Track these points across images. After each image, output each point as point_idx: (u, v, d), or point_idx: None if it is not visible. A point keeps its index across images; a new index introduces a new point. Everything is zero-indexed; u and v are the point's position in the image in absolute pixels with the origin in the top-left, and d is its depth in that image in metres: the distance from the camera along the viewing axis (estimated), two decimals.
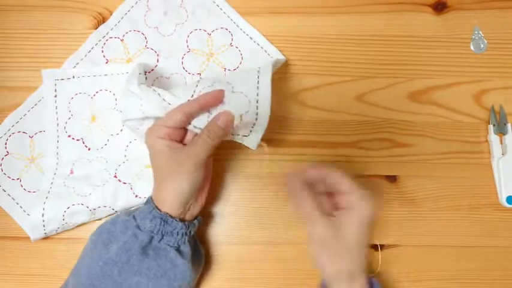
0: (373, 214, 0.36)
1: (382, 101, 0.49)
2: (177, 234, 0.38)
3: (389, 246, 0.46)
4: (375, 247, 0.45)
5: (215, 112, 0.39)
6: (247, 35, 0.48)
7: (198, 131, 0.39)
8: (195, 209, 0.40)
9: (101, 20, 0.50)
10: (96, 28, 0.49)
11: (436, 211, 0.47)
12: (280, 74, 0.49)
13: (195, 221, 0.40)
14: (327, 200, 0.39)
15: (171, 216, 0.37)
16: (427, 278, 0.46)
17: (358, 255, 0.37)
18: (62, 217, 0.43)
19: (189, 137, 0.40)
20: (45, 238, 0.45)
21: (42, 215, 0.43)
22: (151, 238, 0.37)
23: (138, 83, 0.41)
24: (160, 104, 0.39)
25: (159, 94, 0.40)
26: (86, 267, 0.37)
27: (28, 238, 0.44)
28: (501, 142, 0.47)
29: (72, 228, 0.45)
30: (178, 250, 0.38)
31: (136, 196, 0.44)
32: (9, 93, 0.48)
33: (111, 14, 0.50)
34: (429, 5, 0.51)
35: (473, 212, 0.47)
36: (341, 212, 0.37)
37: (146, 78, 0.46)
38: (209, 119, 0.39)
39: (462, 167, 0.48)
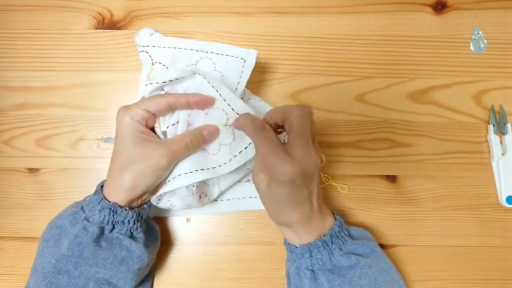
0: (286, 176, 0.34)
1: (382, 101, 0.49)
2: (128, 223, 0.37)
3: (389, 246, 0.46)
4: None
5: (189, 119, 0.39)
6: (217, 53, 0.42)
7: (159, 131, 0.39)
8: (146, 199, 0.39)
9: (101, 20, 0.50)
10: (96, 28, 0.49)
11: (436, 211, 0.47)
12: (281, 73, 0.49)
13: (145, 206, 0.39)
14: None
15: (120, 206, 0.36)
16: (427, 278, 0.46)
17: (285, 209, 0.36)
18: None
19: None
20: None
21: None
22: (102, 229, 0.36)
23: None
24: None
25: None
26: (40, 266, 0.36)
27: (28, 238, 0.44)
28: (501, 142, 0.47)
29: None
30: (131, 237, 0.38)
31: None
32: (10, 93, 0.48)
33: (111, 14, 0.50)
34: (429, 5, 0.51)
35: (473, 212, 0.47)
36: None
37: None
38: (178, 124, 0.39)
39: (462, 167, 0.48)
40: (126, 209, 0.37)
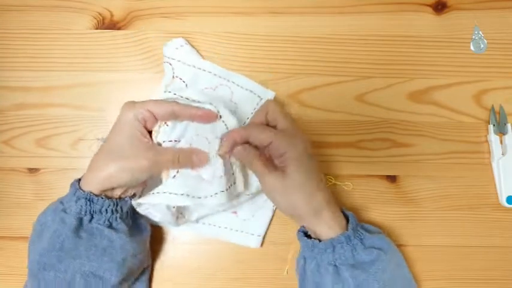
0: (303, 150, 0.38)
1: (382, 101, 0.49)
2: (106, 212, 0.37)
3: None
4: None
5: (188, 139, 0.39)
6: (238, 85, 0.44)
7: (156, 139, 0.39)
8: (121, 195, 0.39)
9: (101, 20, 0.50)
10: (96, 28, 0.50)
11: (436, 211, 0.47)
12: (281, 74, 0.49)
13: (127, 199, 0.39)
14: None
15: (95, 195, 0.36)
16: (427, 278, 0.46)
17: (310, 192, 0.37)
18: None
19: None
20: None
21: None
22: (81, 220, 0.37)
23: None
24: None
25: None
26: (28, 264, 0.36)
27: (28, 238, 0.44)
28: (501, 142, 0.47)
29: None
30: (111, 227, 0.38)
31: None
32: (9, 93, 0.48)
33: (111, 14, 0.50)
34: (429, 5, 0.51)
35: (473, 212, 0.47)
36: (278, 160, 0.38)
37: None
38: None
39: (462, 167, 0.48)
40: (102, 197, 0.37)
